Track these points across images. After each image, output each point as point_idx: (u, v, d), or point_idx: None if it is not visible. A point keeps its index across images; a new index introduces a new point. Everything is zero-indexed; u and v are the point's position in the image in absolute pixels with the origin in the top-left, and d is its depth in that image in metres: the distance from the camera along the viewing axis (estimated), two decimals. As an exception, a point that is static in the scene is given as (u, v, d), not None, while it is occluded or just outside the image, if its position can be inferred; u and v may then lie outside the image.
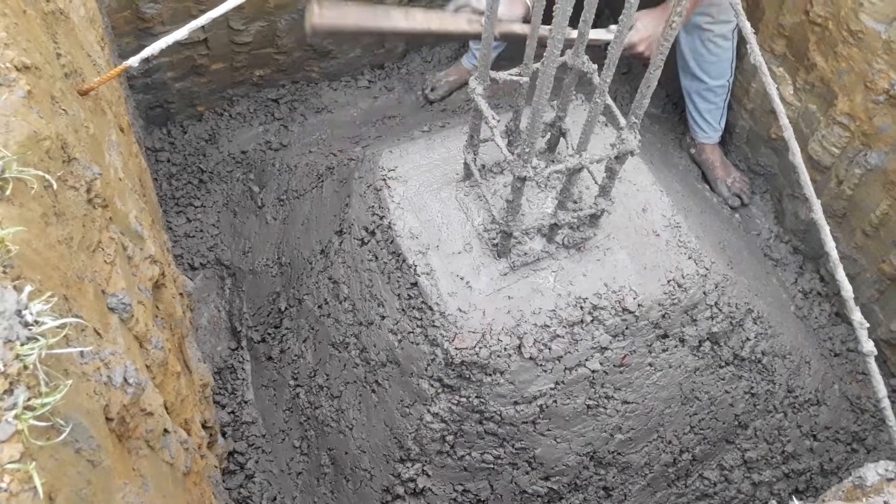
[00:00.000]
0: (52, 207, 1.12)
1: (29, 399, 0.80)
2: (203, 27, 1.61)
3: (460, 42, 3.59)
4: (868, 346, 1.50)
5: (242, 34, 3.07)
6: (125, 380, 1.12)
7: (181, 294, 2.19)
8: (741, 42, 3.02)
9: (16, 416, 0.77)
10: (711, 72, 3.04)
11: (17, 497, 0.74)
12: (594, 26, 1.87)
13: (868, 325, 1.53)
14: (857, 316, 1.51)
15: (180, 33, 1.58)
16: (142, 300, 1.51)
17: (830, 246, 1.49)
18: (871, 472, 1.30)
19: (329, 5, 2.16)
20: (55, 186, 1.11)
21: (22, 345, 0.83)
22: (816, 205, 1.50)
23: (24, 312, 0.86)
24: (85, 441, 0.91)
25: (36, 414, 0.79)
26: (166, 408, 1.48)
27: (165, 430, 1.34)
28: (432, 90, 3.47)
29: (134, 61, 1.61)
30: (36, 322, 0.86)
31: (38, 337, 0.85)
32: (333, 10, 2.16)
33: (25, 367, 0.81)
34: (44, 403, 0.80)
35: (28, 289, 0.89)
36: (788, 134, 1.46)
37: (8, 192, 0.99)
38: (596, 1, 1.71)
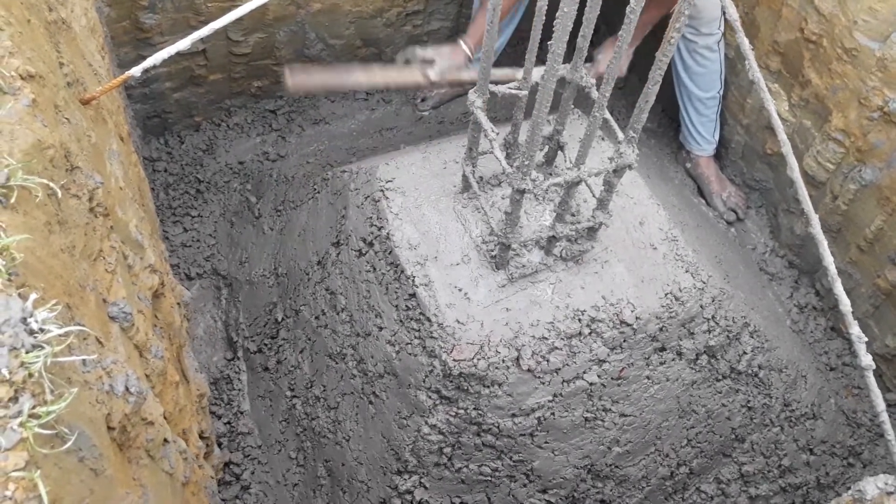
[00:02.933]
0: (55, 216, 1.12)
1: (34, 407, 0.79)
2: (202, 38, 1.61)
3: None
4: (866, 360, 1.51)
5: (241, 45, 3.08)
6: (126, 388, 1.12)
7: (179, 304, 2.19)
8: (738, 57, 3.06)
9: (21, 424, 0.77)
10: (701, 84, 3.10)
11: (21, 505, 0.73)
12: (591, 43, 1.89)
13: (866, 339, 1.54)
14: (855, 330, 1.52)
15: (183, 44, 1.58)
16: (142, 309, 1.51)
17: (829, 260, 1.50)
18: (871, 485, 1.30)
19: (298, 71, 2.58)
20: (59, 195, 1.11)
21: (27, 352, 0.83)
22: (815, 219, 1.51)
23: (29, 320, 0.86)
24: (88, 450, 0.91)
25: (41, 422, 0.79)
26: (165, 417, 1.47)
27: (165, 440, 1.33)
28: (423, 101, 3.49)
29: (136, 71, 1.61)
30: (41, 330, 0.86)
31: (43, 345, 0.85)
32: (301, 74, 2.58)
33: (30, 375, 0.81)
34: (49, 411, 0.80)
35: (33, 297, 0.89)
36: (787, 149, 1.48)
37: (13, 200, 0.99)
38: (595, 17, 1.73)
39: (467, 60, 2.71)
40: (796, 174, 1.51)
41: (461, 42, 2.72)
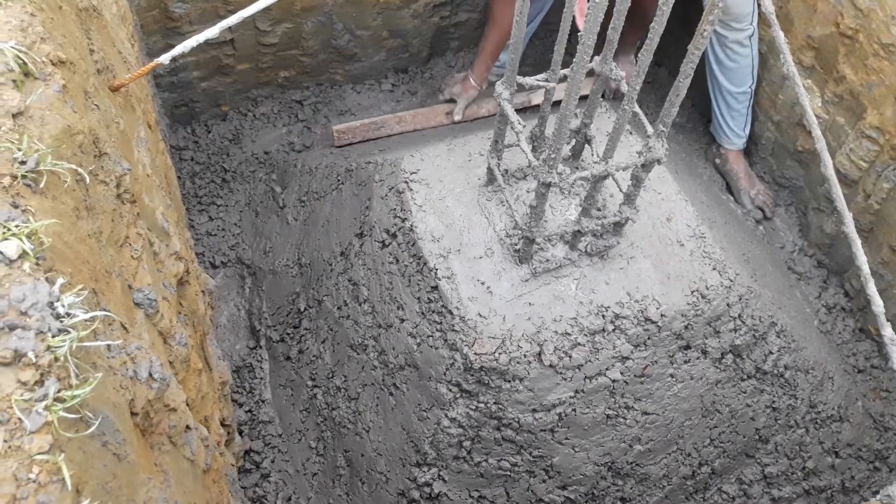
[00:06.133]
0: (83, 201, 1.12)
1: (59, 391, 0.80)
2: (230, 27, 1.61)
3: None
4: (898, 362, 1.47)
5: (269, 35, 3.08)
6: (150, 375, 1.12)
7: (203, 292, 2.20)
8: (770, 52, 3.01)
9: (46, 408, 0.78)
10: (731, 78, 3.06)
11: (45, 488, 0.74)
12: (622, 37, 1.87)
13: (898, 341, 1.50)
14: (887, 332, 1.49)
15: (212, 32, 1.58)
16: (166, 296, 1.52)
17: (862, 260, 1.47)
18: (901, 491, 1.27)
19: (343, 128, 3.13)
20: (88, 180, 1.12)
21: (53, 336, 0.83)
22: (848, 218, 1.47)
23: (55, 304, 0.86)
24: (111, 435, 0.91)
25: (66, 406, 0.79)
26: (187, 404, 1.48)
27: (187, 427, 1.34)
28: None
29: (165, 59, 1.61)
30: (67, 314, 0.86)
31: (69, 329, 0.85)
32: (346, 132, 3.14)
33: (56, 359, 0.82)
34: (74, 395, 0.81)
35: (60, 281, 0.89)
36: (821, 146, 1.44)
37: (42, 185, 1.00)
38: (626, 8, 1.71)
39: (479, 93, 3.16)
40: (830, 172, 1.48)
41: (470, 78, 3.14)
